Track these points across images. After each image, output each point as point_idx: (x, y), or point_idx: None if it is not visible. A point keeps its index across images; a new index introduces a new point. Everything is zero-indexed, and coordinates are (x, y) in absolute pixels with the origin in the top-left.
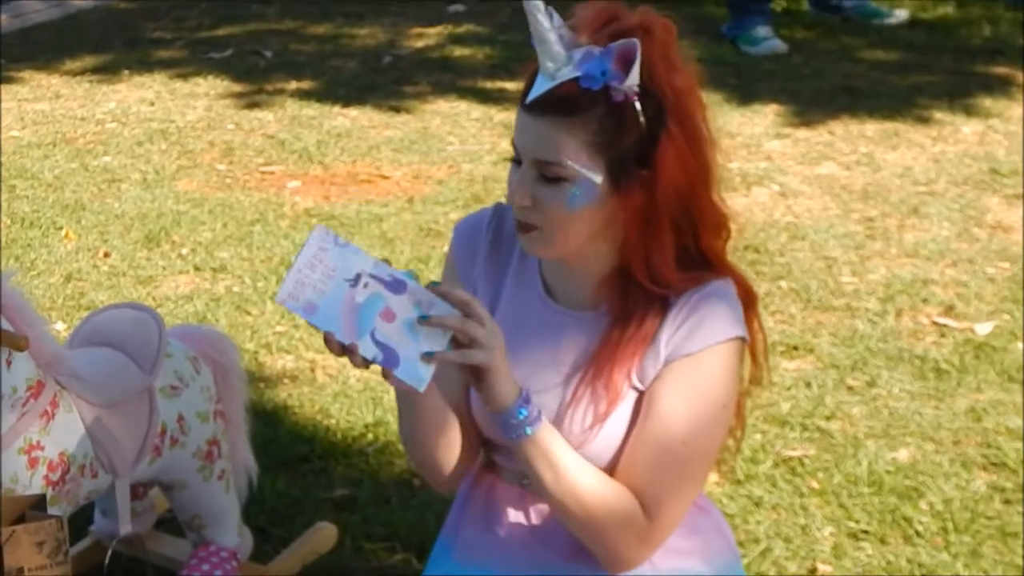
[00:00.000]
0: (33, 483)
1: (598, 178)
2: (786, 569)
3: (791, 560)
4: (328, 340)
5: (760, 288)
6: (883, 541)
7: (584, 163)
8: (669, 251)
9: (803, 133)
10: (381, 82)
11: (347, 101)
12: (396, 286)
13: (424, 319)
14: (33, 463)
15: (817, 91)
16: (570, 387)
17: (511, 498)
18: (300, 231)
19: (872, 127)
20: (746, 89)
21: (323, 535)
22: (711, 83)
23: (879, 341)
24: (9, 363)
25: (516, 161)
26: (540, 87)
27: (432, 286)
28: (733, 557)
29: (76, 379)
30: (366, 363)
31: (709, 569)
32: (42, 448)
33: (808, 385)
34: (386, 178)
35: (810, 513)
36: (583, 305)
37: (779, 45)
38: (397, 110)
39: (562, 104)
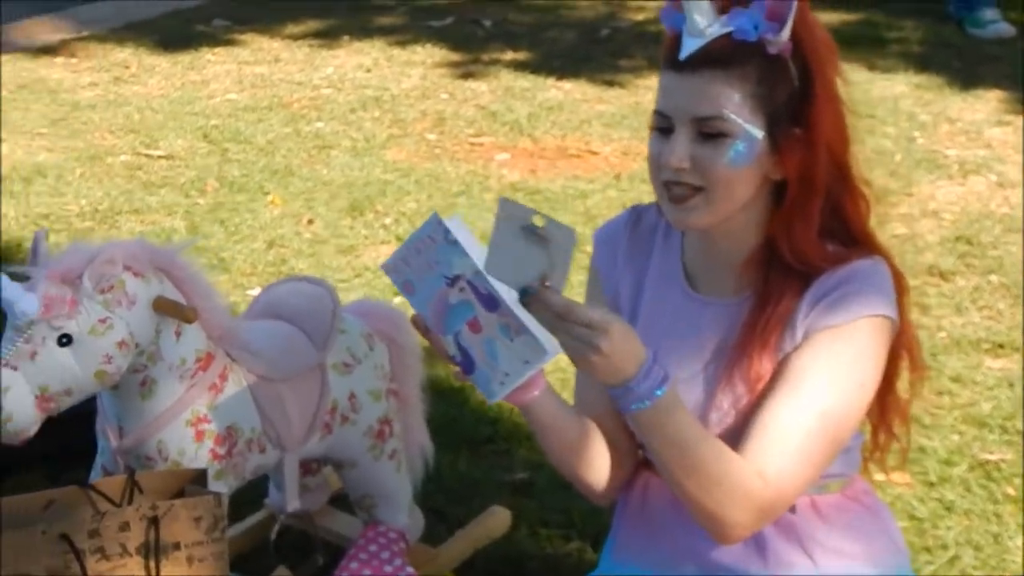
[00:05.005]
0: (199, 456)
1: (759, 133)
2: None
3: (980, 569)
4: (415, 320)
5: (969, 282)
6: None
7: (746, 117)
8: (815, 223)
9: None
10: (597, 54)
11: (561, 73)
12: (489, 302)
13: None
14: (200, 436)
15: None
16: (714, 374)
17: (667, 495)
18: None
19: None
20: (968, 73)
21: (497, 519)
22: (932, 65)
23: None
24: (178, 334)
25: (660, 130)
26: (691, 45)
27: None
28: (902, 560)
29: (247, 352)
30: (447, 356)
31: (875, 571)
32: (209, 421)
33: (1011, 386)
34: (595, 153)
35: (1003, 521)
36: (726, 292)
37: (1006, 28)
38: (611, 84)
39: (719, 57)
